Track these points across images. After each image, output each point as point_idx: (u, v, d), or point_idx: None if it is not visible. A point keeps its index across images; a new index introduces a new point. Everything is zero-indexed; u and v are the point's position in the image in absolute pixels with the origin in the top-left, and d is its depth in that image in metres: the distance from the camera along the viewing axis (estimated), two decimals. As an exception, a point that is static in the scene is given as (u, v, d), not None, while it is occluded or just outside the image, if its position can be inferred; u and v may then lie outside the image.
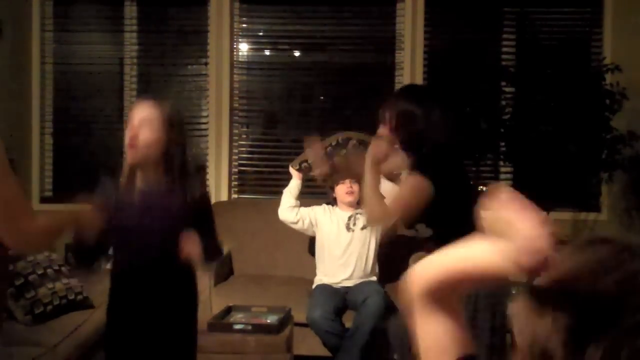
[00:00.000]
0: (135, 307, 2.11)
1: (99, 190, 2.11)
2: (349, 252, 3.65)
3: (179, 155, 2.06)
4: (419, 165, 2.21)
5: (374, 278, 3.65)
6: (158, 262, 2.06)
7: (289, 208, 3.74)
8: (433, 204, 2.18)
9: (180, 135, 2.09)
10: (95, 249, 2.06)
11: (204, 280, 3.66)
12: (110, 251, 2.21)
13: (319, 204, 3.87)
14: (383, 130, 2.29)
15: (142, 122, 2.00)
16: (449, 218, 2.18)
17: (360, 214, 3.67)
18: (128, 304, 2.13)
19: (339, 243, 3.68)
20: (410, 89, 2.46)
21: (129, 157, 2.02)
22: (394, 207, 2.23)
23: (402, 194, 2.24)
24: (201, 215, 2.14)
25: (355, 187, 3.63)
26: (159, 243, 2.05)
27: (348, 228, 3.68)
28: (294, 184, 3.75)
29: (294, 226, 3.77)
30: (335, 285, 3.63)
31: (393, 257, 3.90)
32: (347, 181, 3.66)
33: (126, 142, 2.02)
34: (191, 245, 2.00)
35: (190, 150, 2.17)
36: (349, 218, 3.69)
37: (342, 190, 3.68)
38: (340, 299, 3.53)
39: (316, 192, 4.12)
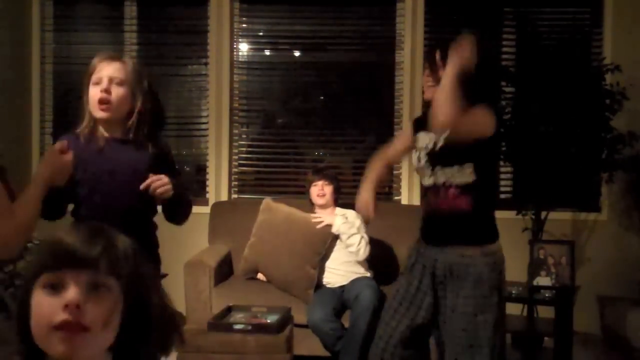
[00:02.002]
0: None
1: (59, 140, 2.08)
2: (337, 258, 3.68)
3: (143, 112, 2.09)
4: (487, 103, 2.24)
5: (368, 274, 3.67)
6: (126, 211, 2.04)
7: None
8: (488, 143, 2.22)
9: (146, 90, 2.10)
10: (64, 198, 2.03)
11: (204, 280, 3.67)
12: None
13: (305, 204, 3.88)
14: (433, 88, 2.25)
15: (113, 78, 2.04)
16: (492, 168, 2.30)
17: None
18: None
19: (341, 244, 3.69)
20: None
21: (101, 113, 2.03)
22: (462, 116, 2.12)
23: (474, 112, 2.17)
24: (165, 167, 2.15)
25: (327, 189, 3.69)
26: (127, 194, 2.05)
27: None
28: None
29: None
30: (331, 286, 3.65)
31: (385, 253, 3.92)
32: (320, 183, 3.71)
33: (94, 97, 2.04)
34: (158, 178, 2.00)
35: (153, 104, 2.14)
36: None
37: (314, 192, 3.75)
38: (338, 300, 3.54)
39: (302, 192, 4.10)
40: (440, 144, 2.29)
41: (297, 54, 4.71)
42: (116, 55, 2.15)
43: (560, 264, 3.63)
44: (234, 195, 4.62)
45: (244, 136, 4.69)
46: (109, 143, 2.08)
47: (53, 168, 1.88)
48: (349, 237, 3.59)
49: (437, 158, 2.29)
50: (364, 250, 3.59)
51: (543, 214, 3.88)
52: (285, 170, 4.66)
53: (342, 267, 3.66)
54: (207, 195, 4.58)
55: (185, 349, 2.95)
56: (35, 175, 1.90)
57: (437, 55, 2.29)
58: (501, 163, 4.33)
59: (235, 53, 4.62)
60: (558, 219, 4.17)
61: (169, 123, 4.59)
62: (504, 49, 4.44)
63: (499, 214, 4.29)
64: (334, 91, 4.69)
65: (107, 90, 2.03)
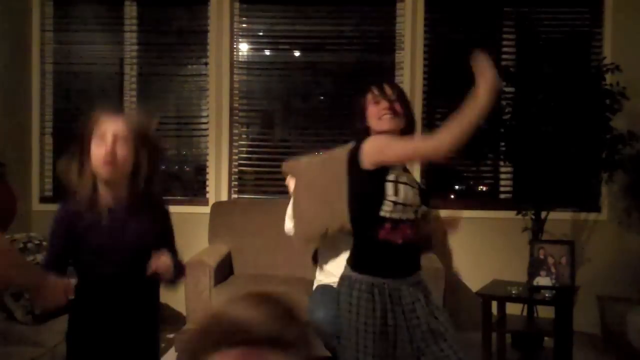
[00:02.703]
0: (100, 326, 2.04)
1: (60, 218, 2.03)
2: (345, 252, 3.65)
3: (148, 172, 2.03)
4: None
5: None
6: (126, 280, 2.03)
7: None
8: None
9: (151, 150, 2.05)
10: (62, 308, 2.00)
11: (204, 280, 3.67)
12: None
13: None
14: (396, 122, 2.31)
15: (116, 137, 1.97)
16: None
17: None
18: (92, 324, 2.05)
19: (336, 243, 3.68)
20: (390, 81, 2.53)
21: (106, 173, 1.97)
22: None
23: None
24: (164, 232, 2.14)
25: None
26: (129, 261, 2.02)
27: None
28: None
29: None
30: (334, 285, 3.63)
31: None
32: None
33: (98, 157, 1.96)
34: (162, 261, 1.99)
35: (158, 164, 2.11)
36: None
37: None
38: (340, 299, 3.53)
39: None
40: (421, 185, 2.39)
41: (297, 54, 4.71)
42: (118, 112, 2.08)
43: (560, 264, 3.63)
44: (234, 195, 4.62)
45: (244, 136, 4.69)
46: (113, 215, 2.01)
47: (50, 300, 1.86)
48: None
49: (424, 197, 2.35)
50: None
51: (543, 214, 3.88)
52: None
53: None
54: (207, 195, 4.58)
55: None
56: (36, 277, 1.87)
57: (392, 89, 2.35)
58: (501, 163, 4.34)
59: (235, 53, 4.62)
60: (558, 219, 4.17)
61: (169, 123, 4.64)
62: (504, 49, 4.44)
63: (499, 214, 4.34)
64: (334, 91, 4.69)
65: (112, 150, 1.96)
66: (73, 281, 1.93)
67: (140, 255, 2.00)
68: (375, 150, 2.23)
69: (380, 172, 2.24)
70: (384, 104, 2.33)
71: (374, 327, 2.23)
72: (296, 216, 3.46)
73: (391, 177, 2.24)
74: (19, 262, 1.83)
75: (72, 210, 2.00)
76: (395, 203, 2.23)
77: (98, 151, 1.97)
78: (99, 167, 1.97)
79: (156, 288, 2.15)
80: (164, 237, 2.13)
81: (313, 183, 3.47)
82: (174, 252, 2.16)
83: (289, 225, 3.59)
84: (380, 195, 2.22)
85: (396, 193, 2.24)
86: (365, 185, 2.27)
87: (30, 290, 1.83)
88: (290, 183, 3.68)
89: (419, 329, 2.27)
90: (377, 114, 2.33)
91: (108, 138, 1.96)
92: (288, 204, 3.62)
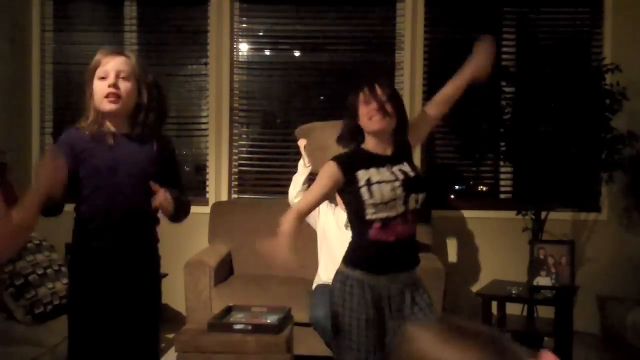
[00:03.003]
0: (101, 257, 2.07)
1: (62, 139, 2.09)
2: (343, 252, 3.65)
3: (149, 105, 2.11)
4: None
5: None
6: (130, 208, 2.06)
7: (301, 190, 3.66)
8: None
9: (150, 85, 2.12)
10: (63, 199, 2.01)
11: (204, 280, 3.67)
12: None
13: None
14: (386, 123, 2.32)
15: (119, 72, 2.04)
16: None
17: None
18: (94, 254, 2.07)
19: (338, 241, 3.68)
20: (380, 80, 2.51)
21: (110, 106, 2.03)
22: None
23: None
24: (168, 165, 2.18)
25: None
26: (131, 191, 2.06)
27: (347, 227, 3.68)
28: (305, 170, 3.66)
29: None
30: (334, 285, 3.63)
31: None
32: None
33: (101, 91, 2.03)
34: (163, 196, 2.04)
35: (157, 98, 2.16)
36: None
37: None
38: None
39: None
40: (412, 174, 2.33)
41: (297, 54, 4.71)
42: (120, 50, 2.16)
43: (560, 264, 3.63)
44: (234, 195, 4.62)
45: (244, 136, 4.70)
46: (117, 139, 2.08)
47: (47, 178, 1.86)
48: None
49: (413, 185, 2.32)
50: None
51: (543, 214, 3.88)
52: (285, 170, 4.65)
53: None
54: (207, 195, 4.58)
55: (185, 349, 2.96)
56: (32, 184, 1.88)
57: (382, 89, 2.34)
58: (501, 163, 4.34)
59: (235, 53, 4.62)
60: (558, 219, 4.17)
61: (169, 123, 4.63)
62: (504, 49, 4.44)
63: (499, 214, 4.34)
64: (334, 91, 4.69)
65: (115, 84, 2.03)
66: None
67: (139, 186, 2.04)
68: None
69: (350, 180, 2.27)
70: (374, 104, 2.32)
71: (364, 321, 2.26)
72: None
73: (361, 182, 2.26)
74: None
75: (76, 134, 2.05)
76: (374, 205, 2.25)
77: (101, 86, 2.04)
78: (102, 102, 2.04)
79: (152, 223, 2.17)
80: (168, 169, 2.16)
81: (326, 143, 3.53)
82: (179, 186, 2.21)
83: (292, 192, 3.59)
84: (360, 201, 2.26)
85: (371, 195, 2.26)
86: (346, 195, 2.34)
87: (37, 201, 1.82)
88: (301, 143, 3.68)
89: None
90: (367, 114, 2.32)
91: (111, 74, 2.03)
92: (297, 171, 3.62)
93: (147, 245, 2.16)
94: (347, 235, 3.64)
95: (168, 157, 2.20)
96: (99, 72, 2.05)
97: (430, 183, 2.41)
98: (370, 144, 2.36)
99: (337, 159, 2.33)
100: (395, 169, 2.36)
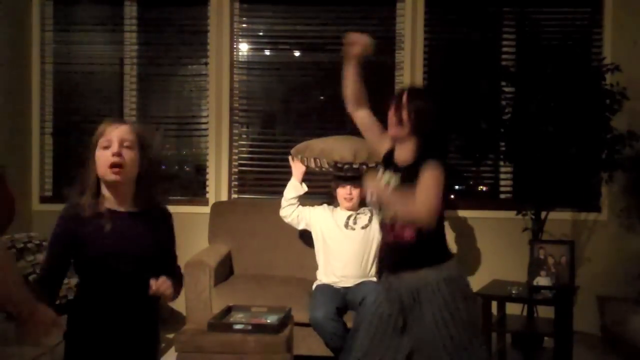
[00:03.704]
0: (99, 328, 2.04)
1: (63, 226, 2.02)
2: (347, 251, 3.65)
3: (150, 176, 2.07)
4: (431, 158, 2.31)
5: (374, 278, 3.65)
6: (128, 286, 2.03)
7: (288, 205, 3.81)
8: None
9: (151, 156, 2.09)
10: (57, 282, 2.03)
11: (204, 280, 3.67)
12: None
13: (320, 204, 3.89)
14: (398, 130, 2.36)
15: (123, 142, 2.00)
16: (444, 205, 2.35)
17: (362, 213, 3.72)
18: (91, 326, 2.04)
19: (338, 242, 3.69)
20: (421, 88, 2.56)
21: (114, 177, 1.98)
22: (433, 199, 2.24)
23: (428, 185, 2.26)
24: (166, 239, 2.15)
25: (355, 192, 3.69)
26: (132, 266, 2.02)
27: (347, 226, 3.70)
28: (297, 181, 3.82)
29: (288, 222, 3.84)
30: (335, 285, 3.63)
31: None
32: (348, 186, 3.69)
33: (105, 162, 1.98)
34: (162, 283, 1.99)
35: (159, 171, 2.15)
36: (348, 217, 3.72)
37: (342, 194, 3.73)
38: (341, 299, 3.53)
39: (316, 193, 4.12)
40: (396, 184, 2.38)
41: (297, 54, 4.71)
42: (123, 119, 2.13)
43: (560, 264, 3.63)
44: (234, 195, 4.62)
45: (244, 136, 4.69)
46: (116, 220, 2.02)
47: (37, 332, 1.82)
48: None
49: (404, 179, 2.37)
50: None
51: (543, 214, 3.88)
52: (286, 170, 4.64)
53: (354, 265, 3.64)
54: (207, 195, 4.58)
55: (185, 349, 2.96)
56: (28, 305, 1.82)
57: (405, 96, 2.37)
58: (501, 163, 4.34)
59: (235, 53, 4.62)
60: (558, 219, 4.17)
61: (169, 123, 4.64)
62: (504, 49, 4.44)
63: (499, 214, 4.34)
64: (334, 91, 4.67)
65: (119, 154, 1.98)
66: (61, 319, 1.90)
67: (143, 260, 2.02)
68: None
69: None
70: (393, 110, 2.37)
71: (375, 316, 2.43)
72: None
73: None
74: (18, 280, 1.81)
75: (75, 216, 2.00)
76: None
77: (104, 156, 1.98)
78: (106, 172, 1.98)
79: (156, 306, 2.14)
80: (166, 243, 2.14)
81: (330, 144, 3.74)
82: (173, 257, 2.19)
83: (285, 207, 3.76)
84: None
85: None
86: None
87: (20, 315, 1.79)
88: (297, 165, 3.75)
89: (411, 330, 2.36)
90: (389, 119, 2.40)
91: (115, 143, 1.98)
92: (286, 187, 3.74)
93: (151, 320, 2.15)
94: (347, 236, 3.67)
95: (167, 231, 2.17)
96: (102, 142, 2.00)
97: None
98: (396, 148, 2.44)
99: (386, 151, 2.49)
100: (390, 176, 2.41)
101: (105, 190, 2.02)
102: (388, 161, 2.48)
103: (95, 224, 1.98)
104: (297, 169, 3.83)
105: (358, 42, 2.57)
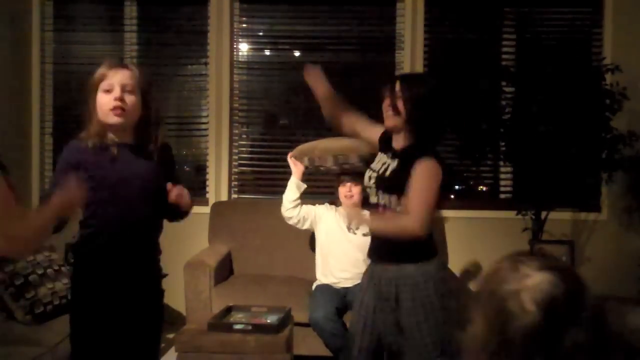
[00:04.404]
0: (108, 267, 2.09)
1: (66, 157, 2.10)
2: (346, 254, 3.65)
3: (151, 117, 2.15)
4: (426, 149, 2.31)
5: None
6: (137, 220, 2.09)
7: (292, 207, 3.74)
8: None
9: (151, 98, 2.17)
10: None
11: (204, 280, 3.67)
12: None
13: (321, 203, 3.88)
14: (394, 120, 2.36)
15: (125, 86, 2.06)
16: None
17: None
18: (101, 264, 2.09)
19: (339, 243, 3.68)
20: (416, 75, 2.56)
21: (115, 119, 2.05)
22: (423, 207, 2.24)
23: (421, 188, 2.25)
24: (170, 172, 2.23)
25: (355, 190, 3.65)
26: (141, 203, 2.10)
27: (349, 229, 3.68)
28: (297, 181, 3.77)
29: (293, 224, 3.78)
30: (335, 286, 3.63)
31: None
32: (348, 184, 3.67)
33: (106, 104, 2.04)
34: (180, 191, 2.09)
35: (157, 109, 2.23)
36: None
37: (343, 192, 3.70)
38: (341, 300, 3.53)
39: (317, 192, 4.12)
40: (388, 172, 2.38)
41: (297, 54, 4.71)
42: (124, 63, 2.18)
43: (560, 264, 3.63)
44: (234, 195, 4.62)
45: (244, 136, 4.69)
46: (120, 150, 2.09)
47: (67, 205, 1.83)
48: None
49: (383, 183, 2.38)
50: None
51: (543, 214, 3.88)
52: (286, 170, 4.64)
53: (351, 269, 3.64)
54: (207, 195, 4.58)
55: (185, 349, 2.96)
56: (51, 203, 1.82)
57: (398, 85, 2.35)
58: (501, 163, 4.34)
59: (235, 53, 4.62)
60: (558, 219, 4.17)
61: (169, 123, 4.64)
62: (504, 49, 4.44)
63: (499, 214, 4.34)
64: (334, 91, 4.67)
65: (121, 98, 2.04)
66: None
67: (147, 197, 2.09)
68: None
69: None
70: (387, 100, 2.36)
71: (359, 303, 2.50)
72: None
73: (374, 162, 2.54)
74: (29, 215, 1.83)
75: (78, 148, 2.07)
76: (365, 187, 2.52)
77: (106, 100, 2.05)
78: (108, 115, 2.05)
79: (157, 233, 2.22)
80: (170, 176, 2.20)
81: (329, 142, 3.69)
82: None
83: (289, 209, 3.70)
84: None
85: (369, 178, 2.47)
86: None
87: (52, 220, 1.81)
88: (295, 164, 3.72)
89: (385, 321, 2.40)
90: (383, 109, 2.40)
91: (116, 88, 2.04)
92: (286, 189, 3.72)
93: (151, 255, 2.18)
94: (348, 239, 3.66)
95: (169, 164, 2.24)
96: (104, 85, 2.05)
97: (394, 188, 2.35)
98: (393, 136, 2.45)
99: (384, 131, 2.49)
100: (387, 161, 2.41)
101: (106, 130, 2.10)
102: (385, 147, 2.48)
103: (100, 154, 2.06)
104: (298, 168, 3.81)
105: (312, 75, 2.72)
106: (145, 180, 2.11)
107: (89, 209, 2.08)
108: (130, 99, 2.06)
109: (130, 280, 2.12)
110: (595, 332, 0.91)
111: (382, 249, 2.41)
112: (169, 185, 2.07)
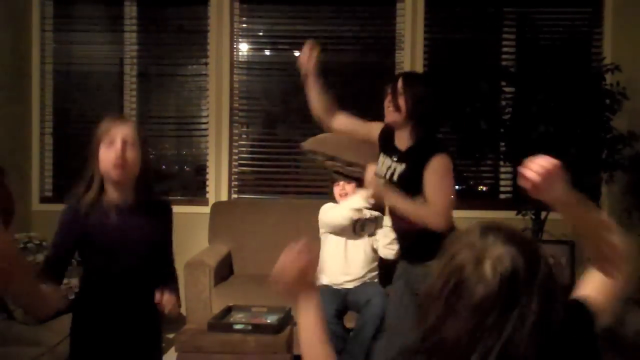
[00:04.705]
0: (104, 324, 2.08)
1: (65, 222, 2.07)
2: (353, 253, 3.64)
3: (150, 172, 2.15)
4: (435, 145, 2.36)
5: (376, 280, 3.65)
6: (132, 279, 2.08)
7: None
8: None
9: (148, 152, 2.17)
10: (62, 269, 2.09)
11: (204, 280, 3.67)
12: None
13: (320, 204, 3.87)
14: (395, 116, 2.39)
15: (126, 140, 2.04)
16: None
17: (371, 221, 3.66)
18: (96, 322, 2.09)
19: (344, 244, 3.66)
20: (417, 74, 2.59)
21: (118, 175, 2.03)
22: (444, 201, 2.28)
23: (439, 183, 2.29)
24: (166, 232, 2.22)
25: (349, 188, 3.64)
26: (136, 259, 2.08)
27: (355, 231, 3.66)
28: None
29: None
30: (336, 286, 3.63)
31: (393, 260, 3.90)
32: (341, 183, 3.67)
33: (108, 160, 2.02)
34: (170, 303, 2.08)
35: (153, 167, 2.22)
36: (356, 222, 3.65)
37: (337, 191, 3.71)
38: (341, 301, 3.52)
39: (315, 192, 4.12)
40: (396, 177, 2.40)
41: (297, 54, 4.70)
42: (125, 118, 2.19)
43: (560, 264, 3.63)
44: (234, 195, 4.62)
45: (244, 136, 4.69)
46: (121, 213, 2.06)
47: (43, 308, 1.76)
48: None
49: (393, 186, 2.42)
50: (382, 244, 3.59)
51: (543, 214, 3.88)
52: (285, 170, 4.66)
53: (353, 270, 3.63)
54: (207, 195, 4.58)
55: (185, 349, 2.96)
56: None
57: (400, 83, 2.39)
58: (501, 163, 4.34)
59: (235, 53, 4.62)
60: (558, 219, 4.11)
61: (169, 123, 4.64)
62: (504, 49, 4.44)
63: (499, 214, 4.34)
64: (334, 91, 4.66)
65: (122, 153, 2.03)
66: (64, 288, 1.96)
67: (146, 253, 2.09)
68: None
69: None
70: (389, 97, 2.39)
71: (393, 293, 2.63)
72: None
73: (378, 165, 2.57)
74: (23, 263, 1.82)
75: (79, 210, 2.04)
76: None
77: (108, 155, 2.03)
78: (109, 170, 2.03)
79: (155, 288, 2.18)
80: (166, 234, 2.22)
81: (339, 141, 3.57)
82: (170, 255, 2.26)
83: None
84: None
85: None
86: None
87: (25, 296, 1.80)
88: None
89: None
90: (385, 106, 2.43)
91: (118, 142, 2.02)
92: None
93: (147, 305, 2.17)
94: (353, 241, 3.64)
95: (167, 223, 2.23)
96: (106, 140, 2.05)
97: (413, 189, 2.36)
98: (395, 134, 2.47)
99: (383, 128, 2.51)
100: (393, 165, 2.41)
101: (107, 185, 2.07)
102: (387, 146, 2.49)
103: (99, 216, 2.04)
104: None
105: (307, 55, 2.69)
106: (145, 244, 2.10)
107: (87, 272, 2.10)
108: (131, 153, 2.05)
109: (128, 328, 2.11)
110: (545, 301, 0.97)
111: (406, 244, 2.50)
112: (157, 296, 2.05)
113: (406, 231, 2.41)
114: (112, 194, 2.07)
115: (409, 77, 2.45)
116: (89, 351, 2.09)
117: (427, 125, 2.39)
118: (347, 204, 3.59)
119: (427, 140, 2.38)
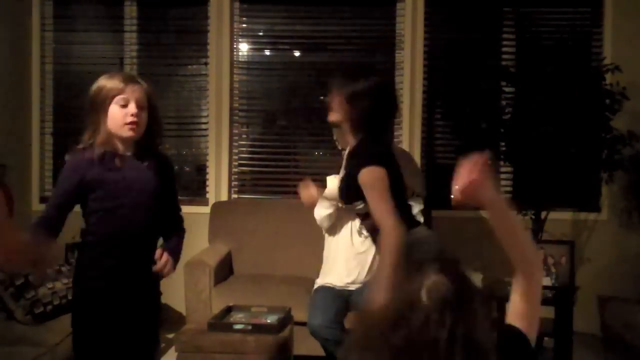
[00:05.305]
0: (109, 274, 2.13)
1: (70, 168, 2.14)
2: (357, 254, 3.63)
3: (155, 131, 2.24)
4: (367, 152, 2.40)
5: None
6: (140, 231, 2.15)
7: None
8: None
9: (158, 112, 2.25)
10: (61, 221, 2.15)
11: (204, 280, 3.67)
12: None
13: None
14: (335, 116, 2.46)
15: (139, 102, 2.13)
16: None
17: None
18: (102, 272, 2.13)
19: (349, 245, 3.64)
20: (348, 73, 2.58)
21: (130, 133, 2.11)
22: (384, 210, 2.37)
23: (372, 197, 2.38)
24: (170, 183, 2.30)
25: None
26: (145, 213, 2.16)
27: (360, 233, 3.64)
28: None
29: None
30: (336, 287, 3.61)
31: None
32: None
33: (122, 119, 2.10)
34: (165, 263, 2.18)
35: (159, 122, 2.31)
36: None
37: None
38: (342, 302, 3.50)
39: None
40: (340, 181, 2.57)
41: (297, 54, 4.71)
42: (138, 78, 2.23)
43: (560, 264, 3.63)
44: (234, 195, 4.62)
45: (244, 136, 4.69)
46: (125, 161, 2.15)
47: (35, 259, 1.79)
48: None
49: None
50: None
51: (543, 214, 3.88)
52: (285, 170, 4.66)
53: (355, 271, 3.61)
54: (207, 195, 4.58)
55: (185, 349, 2.96)
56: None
57: (332, 83, 2.47)
58: (501, 163, 4.34)
59: (235, 53, 4.62)
60: (558, 219, 4.17)
61: (169, 123, 4.64)
62: (504, 49, 4.44)
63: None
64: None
65: (137, 114, 2.12)
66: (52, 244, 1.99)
67: (150, 207, 2.16)
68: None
69: None
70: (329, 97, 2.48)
71: None
72: None
73: None
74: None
75: (82, 159, 2.12)
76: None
77: (120, 114, 2.11)
78: (122, 129, 2.11)
79: (156, 243, 2.27)
80: (170, 188, 2.29)
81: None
82: (175, 203, 2.33)
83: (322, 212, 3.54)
84: None
85: None
86: None
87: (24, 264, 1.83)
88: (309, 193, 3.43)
89: None
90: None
91: (132, 106, 2.11)
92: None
93: (149, 261, 2.20)
94: (356, 241, 3.62)
95: (170, 175, 2.31)
96: (119, 100, 2.11)
97: (351, 197, 2.51)
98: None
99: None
100: (342, 168, 2.51)
101: (112, 138, 2.15)
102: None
103: (104, 164, 2.11)
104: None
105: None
106: (148, 191, 2.16)
107: (91, 217, 2.13)
108: (142, 115, 2.14)
109: (129, 284, 2.16)
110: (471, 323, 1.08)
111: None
112: (158, 252, 2.17)
113: (374, 227, 2.50)
114: (117, 145, 2.15)
115: (342, 76, 2.49)
116: (91, 322, 2.13)
117: (364, 124, 2.42)
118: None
119: (366, 143, 2.42)
